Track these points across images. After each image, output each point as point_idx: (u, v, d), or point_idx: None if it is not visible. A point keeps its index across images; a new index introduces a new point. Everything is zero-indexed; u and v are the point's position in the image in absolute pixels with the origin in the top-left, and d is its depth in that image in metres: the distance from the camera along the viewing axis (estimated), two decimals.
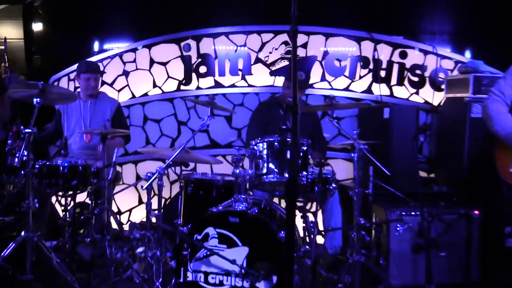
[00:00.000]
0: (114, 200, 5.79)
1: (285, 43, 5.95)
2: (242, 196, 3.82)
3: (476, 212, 4.47)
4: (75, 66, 5.27)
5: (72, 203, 4.46)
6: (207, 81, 6.01)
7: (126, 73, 6.02)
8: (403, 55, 6.03)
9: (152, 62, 6.01)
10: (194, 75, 6.00)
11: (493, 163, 3.69)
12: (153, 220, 3.99)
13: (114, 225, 4.79)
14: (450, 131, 5.39)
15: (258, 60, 5.98)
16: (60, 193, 4.47)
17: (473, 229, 4.42)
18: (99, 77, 5.15)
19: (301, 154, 3.88)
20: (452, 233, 4.33)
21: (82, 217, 4.69)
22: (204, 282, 3.58)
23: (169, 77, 6.03)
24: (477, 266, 4.47)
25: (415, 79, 6.05)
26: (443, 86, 5.84)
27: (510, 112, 3.61)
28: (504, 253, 4.45)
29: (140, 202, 6.05)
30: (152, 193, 4.00)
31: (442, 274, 4.32)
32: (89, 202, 4.71)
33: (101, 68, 5.87)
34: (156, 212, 3.91)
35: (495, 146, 3.67)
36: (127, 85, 6.03)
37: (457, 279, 4.39)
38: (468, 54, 6.23)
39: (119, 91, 6.02)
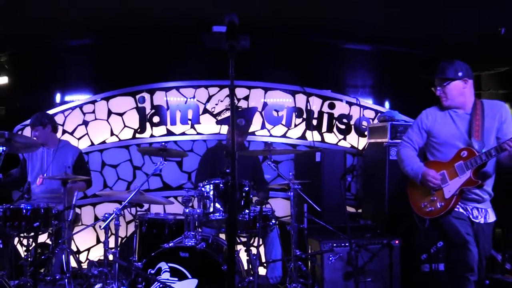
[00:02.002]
0: (73, 240, 5.66)
1: (229, 95, 6.01)
2: (192, 233, 3.83)
3: (397, 242, 4.53)
4: None
5: (33, 243, 4.36)
6: (160, 130, 6.00)
7: (85, 123, 5.95)
8: (332, 106, 6.21)
9: (110, 112, 5.97)
10: (148, 124, 5.98)
11: (408, 200, 3.74)
12: (110, 257, 3.91)
13: (74, 264, 4.66)
14: (373, 172, 5.44)
15: (205, 111, 6.02)
16: (23, 234, 4.36)
17: (394, 256, 4.43)
18: (43, 129, 4.92)
19: (244, 194, 3.95)
20: (376, 261, 4.37)
21: (43, 257, 4.54)
22: None
23: (125, 126, 5.98)
24: None
25: (342, 126, 6.23)
26: (366, 133, 5.99)
27: (419, 156, 3.72)
28: (421, 277, 4.61)
29: (98, 241, 5.90)
30: (109, 233, 3.94)
31: None
32: (50, 242, 4.62)
33: (61, 119, 5.84)
34: (113, 250, 3.84)
35: (408, 184, 3.75)
36: (87, 133, 5.95)
37: None
38: (387, 104, 6.50)
39: (79, 139, 5.92)
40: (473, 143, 3.44)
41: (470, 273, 3.28)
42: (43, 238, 4.73)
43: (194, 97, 6.02)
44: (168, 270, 3.58)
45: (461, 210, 3.46)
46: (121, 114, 6.00)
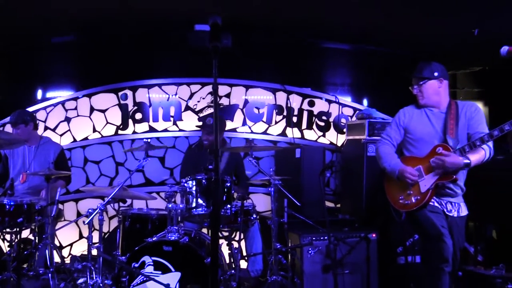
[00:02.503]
0: (56, 236, 5.63)
1: (211, 93, 5.99)
2: (175, 227, 3.84)
3: (374, 235, 4.62)
4: None
5: (16, 239, 4.33)
6: (142, 126, 5.99)
7: (68, 119, 5.90)
8: (311, 103, 6.28)
9: (92, 109, 5.94)
10: (130, 121, 5.97)
11: (385, 194, 3.82)
12: (94, 252, 3.90)
13: (57, 259, 4.64)
14: (351, 168, 5.51)
15: (187, 108, 6.04)
16: (6, 230, 4.33)
17: (371, 249, 4.53)
18: (25, 127, 4.85)
19: (226, 189, 3.98)
20: (354, 253, 4.45)
21: (26, 252, 4.51)
22: None
23: (107, 122, 5.96)
24: (376, 280, 4.60)
25: (322, 123, 6.30)
26: (344, 130, 6.05)
27: (397, 153, 3.80)
28: (397, 269, 4.69)
29: (81, 236, 5.89)
30: (93, 228, 3.94)
31: None
32: (32, 238, 4.59)
33: (43, 115, 5.79)
34: (97, 244, 3.82)
35: (385, 179, 3.82)
36: (69, 130, 5.90)
37: None
38: (365, 102, 6.58)
39: (61, 135, 5.88)
40: (448, 140, 3.53)
41: (445, 264, 3.36)
42: (26, 233, 4.68)
43: (176, 94, 6.03)
44: (151, 263, 3.59)
45: (436, 204, 3.55)
46: (103, 111, 5.97)
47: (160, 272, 3.58)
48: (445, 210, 3.56)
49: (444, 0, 4.88)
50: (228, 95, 6.09)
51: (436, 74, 3.66)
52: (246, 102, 6.13)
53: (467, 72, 8.12)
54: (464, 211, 3.62)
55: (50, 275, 4.25)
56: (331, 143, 6.31)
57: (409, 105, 3.84)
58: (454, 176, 3.47)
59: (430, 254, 3.45)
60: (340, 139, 6.28)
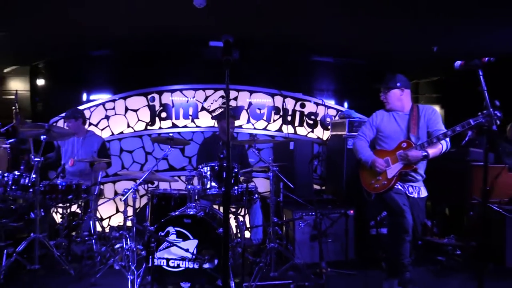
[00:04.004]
0: (98, 210, 5.70)
1: (222, 96, 6.04)
2: (193, 204, 3.87)
3: (351, 211, 4.65)
4: None
5: (67, 212, 4.43)
6: (167, 123, 6.00)
7: (107, 117, 5.94)
8: (303, 105, 6.27)
9: (126, 109, 5.95)
10: (157, 119, 5.99)
11: (359, 179, 3.87)
12: (128, 223, 3.92)
13: (99, 228, 4.71)
14: (334, 157, 5.51)
15: (203, 109, 6.04)
16: (59, 205, 4.41)
17: (349, 223, 4.56)
18: (75, 122, 4.89)
19: (233, 174, 4.00)
20: (336, 226, 4.49)
21: (74, 223, 4.60)
22: (167, 265, 3.59)
23: (139, 120, 5.98)
24: (353, 248, 4.64)
25: (311, 122, 6.30)
26: (329, 127, 6.09)
27: (370, 147, 3.83)
28: (369, 238, 4.73)
29: (117, 211, 5.92)
30: (127, 204, 3.94)
31: (330, 255, 4.46)
32: (79, 211, 4.66)
33: (88, 114, 5.83)
34: (131, 217, 3.84)
35: (360, 168, 3.86)
36: (108, 125, 5.94)
37: (340, 257, 4.52)
38: (346, 104, 6.58)
39: (102, 130, 5.92)
40: (411, 137, 3.57)
41: (405, 234, 3.41)
42: (74, 208, 4.75)
43: (194, 97, 6.03)
44: (174, 233, 3.60)
45: (399, 187, 3.59)
46: (135, 110, 5.99)
47: (181, 240, 3.59)
48: (407, 192, 3.59)
49: (408, 24, 4.92)
50: (235, 98, 6.10)
51: (398, 84, 3.70)
52: (250, 104, 6.13)
53: (428, 81, 8.15)
54: (424, 193, 3.65)
55: (93, 241, 4.35)
56: (318, 137, 6.32)
57: (381, 109, 3.87)
58: (415, 166, 3.53)
59: (394, 226, 3.49)
60: (325, 135, 6.29)
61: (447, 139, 3.49)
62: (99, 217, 5.80)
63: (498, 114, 2.67)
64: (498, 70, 3.36)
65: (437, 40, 5.43)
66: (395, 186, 3.57)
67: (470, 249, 4.54)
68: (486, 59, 2.66)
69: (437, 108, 7.92)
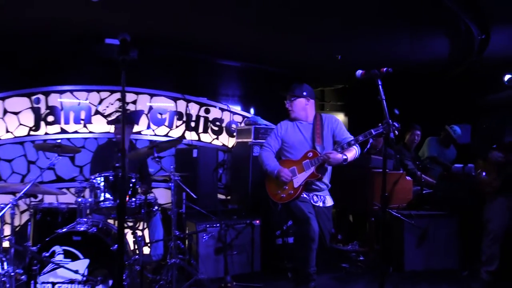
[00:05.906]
0: None
1: (119, 99, 5.79)
2: (84, 219, 3.70)
3: (257, 221, 4.72)
4: None
5: None
6: (54, 128, 5.60)
7: None
8: (207, 111, 6.29)
9: (5, 111, 5.44)
10: (42, 123, 5.55)
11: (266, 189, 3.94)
12: (5, 244, 3.61)
13: None
14: (240, 165, 5.55)
15: (97, 112, 5.76)
16: None
17: (255, 233, 4.63)
18: None
19: (131, 185, 3.88)
20: (241, 237, 4.55)
21: None
22: None
23: (20, 124, 5.50)
24: (259, 259, 4.70)
25: (216, 128, 6.34)
26: (234, 134, 6.15)
27: (276, 157, 3.93)
28: (275, 248, 4.85)
29: None
30: (4, 222, 3.61)
31: (235, 268, 4.49)
32: None
33: None
34: (9, 237, 3.55)
35: (266, 178, 3.94)
36: None
37: (246, 270, 4.56)
38: (252, 111, 6.72)
39: None
40: (316, 147, 3.74)
41: (311, 242, 3.54)
42: None
43: (87, 99, 5.72)
44: (61, 252, 3.40)
45: (305, 195, 3.74)
46: (16, 113, 5.50)
47: (69, 260, 3.41)
48: (311, 201, 3.74)
49: (313, 32, 5.18)
50: (134, 102, 5.91)
51: (304, 93, 3.87)
52: (150, 108, 5.99)
53: (332, 89, 8.69)
54: (329, 202, 3.83)
55: None
56: (223, 144, 6.36)
57: (285, 120, 3.99)
58: (320, 175, 3.70)
59: (300, 234, 3.61)
60: (231, 142, 6.35)
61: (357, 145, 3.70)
62: None
63: (396, 125, 2.89)
64: (400, 80, 3.66)
65: (341, 50, 5.80)
66: (301, 195, 3.70)
67: (372, 255, 4.87)
68: (385, 69, 2.88)
69: (341, 116, 8.52)
